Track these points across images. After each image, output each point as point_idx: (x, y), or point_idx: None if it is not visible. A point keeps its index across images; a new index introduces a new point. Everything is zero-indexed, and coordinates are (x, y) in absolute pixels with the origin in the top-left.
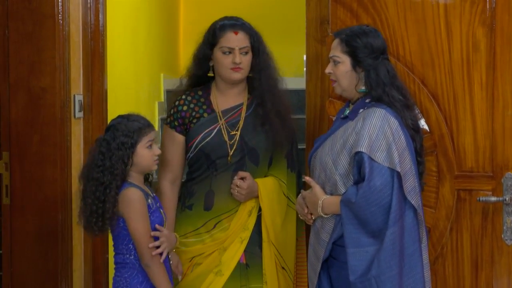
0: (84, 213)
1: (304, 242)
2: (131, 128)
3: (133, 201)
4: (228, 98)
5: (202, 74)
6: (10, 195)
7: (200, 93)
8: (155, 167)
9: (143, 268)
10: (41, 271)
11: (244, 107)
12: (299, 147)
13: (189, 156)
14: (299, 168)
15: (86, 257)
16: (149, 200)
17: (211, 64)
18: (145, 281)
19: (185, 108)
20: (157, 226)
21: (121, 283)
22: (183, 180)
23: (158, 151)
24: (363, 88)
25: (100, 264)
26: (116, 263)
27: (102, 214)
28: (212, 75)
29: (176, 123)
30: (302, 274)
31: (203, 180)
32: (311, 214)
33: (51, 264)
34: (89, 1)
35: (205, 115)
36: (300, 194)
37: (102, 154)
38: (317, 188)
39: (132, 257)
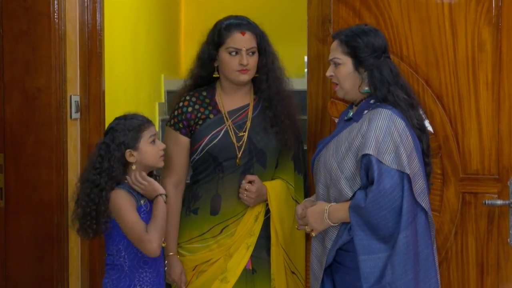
0: (77, 216)
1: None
2: (130, 126)
3: (118, 200)
4: (234, 98)
5: (206, 75)
6: (4, 198)
7: (204, 93)
8: (162, 163)
9: (131, 271)
10: (37, 275)
11: (251, 108)
12: None
13: (194, 158)
14: (305, 170)
15: (83, 260)
16: (142, 202)
17: (216, 64)
18: (132, 285)
19: (190, 109)
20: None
21: (108, 285)
22: (187, 182)
23: (163, 146)
24: (367, 88)
25: (97, 267)
26: (106, 264)
27: (96, 217)
28: (217, 76)
29: (181, 125)
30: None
31: (208, 183)
32: (312, 230)
33: (47, 268)
34: (86, 0)
35: (211, 116)
36: (297, 208)
37: (101, 156)
38: (319, 201)
39: (122, 259)
